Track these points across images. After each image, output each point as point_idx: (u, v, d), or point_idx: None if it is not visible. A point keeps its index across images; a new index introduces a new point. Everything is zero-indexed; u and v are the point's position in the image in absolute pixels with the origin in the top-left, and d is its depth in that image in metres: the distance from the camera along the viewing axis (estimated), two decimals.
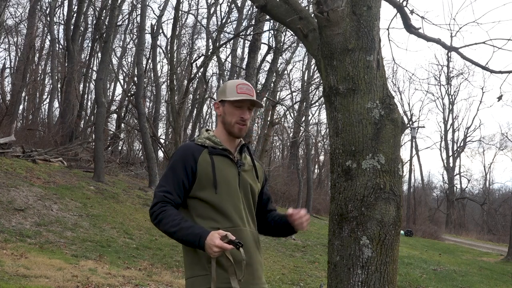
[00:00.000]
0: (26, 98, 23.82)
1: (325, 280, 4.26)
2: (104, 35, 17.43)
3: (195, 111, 26.50)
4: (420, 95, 68.89)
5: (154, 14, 28.98)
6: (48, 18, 23.95)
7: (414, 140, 31.42)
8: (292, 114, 27.19)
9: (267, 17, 11.99)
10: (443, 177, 43.84)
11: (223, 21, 24.44)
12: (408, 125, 29.56)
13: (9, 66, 26.89)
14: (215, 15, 27.25)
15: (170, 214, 2.03)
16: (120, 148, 26.22)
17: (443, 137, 40.70)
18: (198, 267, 2.05)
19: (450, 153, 40.15)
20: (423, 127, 43.65)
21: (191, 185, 2.11)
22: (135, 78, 20.63)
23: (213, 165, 2.11)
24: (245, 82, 2.23)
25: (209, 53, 18.29)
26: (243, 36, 17.61)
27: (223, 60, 22.37)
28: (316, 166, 35.53)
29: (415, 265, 11.76)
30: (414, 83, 46.61)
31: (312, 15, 3.45)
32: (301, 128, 25.07)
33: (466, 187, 43.20)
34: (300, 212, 2.18)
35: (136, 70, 21.95)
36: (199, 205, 2.11)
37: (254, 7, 13.31)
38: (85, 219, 9.78)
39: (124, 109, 25.84)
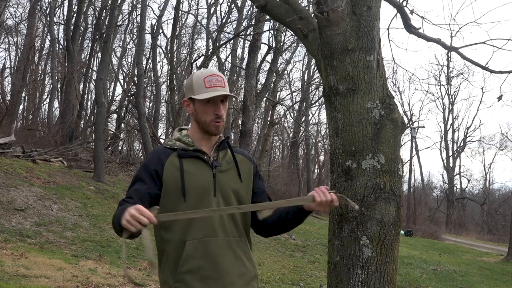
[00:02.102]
0: (26, 98, 23.83)
1: (325, 280, 4.26)
2: (104, 35, 17.44)
3: None
4: (420, 95, 68.97)
5: (154, 14, 28.99)
6: (48, 18, 23.95)
7: (414, 140, 31.43)
8: (292, 114, 27.25)
9: (267, 17, 12.00)
10: (443, 177, 43.87)
11: (223, 21, 24.46)
12: (408, 125, 29.56)
13: (9, 66, 26.92)
14: (215, 15, 27.30)
15: (117, 213, 1.76)
16: (120, 148, 26.22)
17: (443, 137, 40.74)
18: (166, 286, 1.90)
19: (450, 153, 40.16)
20: (423, 127, 43.65)
21: (159, 192, 1.89)
22: (135, 78, 20.63)
23: (182, 169, 1.88)
24: (213, 73, 1.95)
25: (209, 53, 18.30)
26: (243, 36, 17.61)
27: (223, 60, 22.40)
28: (316, 166, 35.55)
29: (415, 265, 11.76)
30: (414, 83, 46.66)
31: (312, 15, 3.45)
32: (301, 128, 25.10)
33: (466, 187, 43.29)
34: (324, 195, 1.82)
35: (136, 70, 21.95)
36: None
37: (254, 7, 13.31)
38: (85, 219, 9.78)
39: (124, 109, 25.85)
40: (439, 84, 40.70)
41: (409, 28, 3.84)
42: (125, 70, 29.25)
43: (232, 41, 19.96)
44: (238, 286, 1.89)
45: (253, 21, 15.88)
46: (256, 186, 2.05)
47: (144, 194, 1.86)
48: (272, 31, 16.12)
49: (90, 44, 25.76)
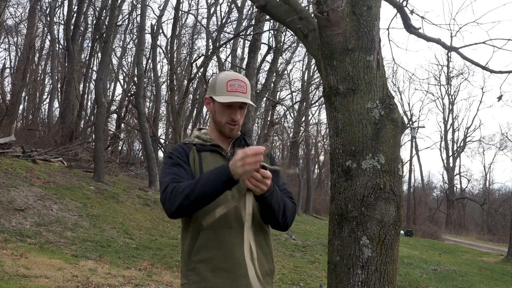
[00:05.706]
0: (26, 98, 23.84)
1: (325, 280, 4.27)
2: (104, 35, 17.45)
3: (195, 111, 26.52)
4: (420, 95, 68.96)
5: (154, 14, 29.03)
6: (48, 18, 23.97)
7: (414, 140, 31.44)
8: (292, 114, 27.23)
9: (267, 17, 11.98)
10: (443, 177, 43.84)
11: (223, 21, 24.48)
12: (408, 125, 29.56)
13: (9, 66, 26.88)
14: (215, 15, 27.31)
15: (183, 184, 1.84)
16: (120, 148, 26.23)
17: (443, 137, 40.77)
18: (181, 276, 1.96)
19: (450, 153, 40.19)
20: (423, 127, 43.75)
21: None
22: (135, 78, 20.66)
23: (200, 162, 1.96)
24: (237, 77, 1.99)
25: (209, 53, 18.30)
26: (243, 36, 17.61)
27: (223, 60, 22.39)
28: (316, 166, 35.57)
29: (415, 265, 11.76)
30: (414, 83, 46.71)
31: (312, 15, 3.45)
32: (301, 128, 25.09)
33: (466, 187, 43.32)
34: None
35: (136, 70, 21.98)
36: None
37: (254, 7, 13.30)
38: (85, 219, 9.78)
39: (124, 109, 25.88)
40: (439, 84, 40.80)
41: (409, 28, 3.84)
42: (125, 70, 29.27)
43: (232, 41, 19.94)
44: (249, 280, 1.84)
45: (253, 21, 15.86)
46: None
47: (185, 170, 1.90)
48: (272, 31, 16.09)
49: (90, 44, 25.81)
